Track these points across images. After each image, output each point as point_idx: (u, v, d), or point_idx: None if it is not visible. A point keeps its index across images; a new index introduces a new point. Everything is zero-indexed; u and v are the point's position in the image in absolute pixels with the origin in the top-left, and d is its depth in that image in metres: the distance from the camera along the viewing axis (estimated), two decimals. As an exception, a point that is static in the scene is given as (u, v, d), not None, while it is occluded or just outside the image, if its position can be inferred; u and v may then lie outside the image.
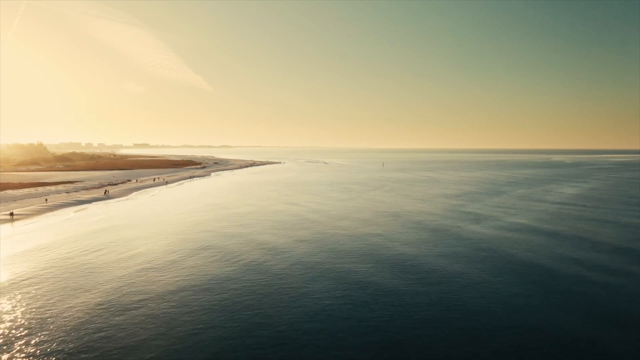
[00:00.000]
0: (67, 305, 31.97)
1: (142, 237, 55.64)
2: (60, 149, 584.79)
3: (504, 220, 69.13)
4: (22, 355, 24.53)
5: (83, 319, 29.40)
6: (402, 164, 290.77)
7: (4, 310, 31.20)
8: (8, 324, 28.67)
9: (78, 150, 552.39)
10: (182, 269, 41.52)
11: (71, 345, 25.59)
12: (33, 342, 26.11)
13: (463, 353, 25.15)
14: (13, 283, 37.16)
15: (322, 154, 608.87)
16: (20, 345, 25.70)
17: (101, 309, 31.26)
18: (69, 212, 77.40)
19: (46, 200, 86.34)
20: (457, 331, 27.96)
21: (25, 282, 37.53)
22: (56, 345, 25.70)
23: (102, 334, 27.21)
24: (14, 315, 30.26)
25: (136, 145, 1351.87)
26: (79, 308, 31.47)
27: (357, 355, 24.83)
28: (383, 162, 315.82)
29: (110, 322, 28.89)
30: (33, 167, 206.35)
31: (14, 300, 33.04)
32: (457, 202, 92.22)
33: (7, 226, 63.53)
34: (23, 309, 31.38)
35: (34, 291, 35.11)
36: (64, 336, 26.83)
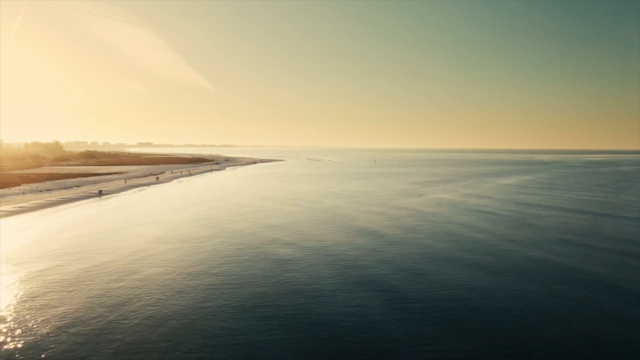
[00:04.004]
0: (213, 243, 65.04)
1: (228, 205, 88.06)
2: (67, 147, 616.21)
3: (448, 192, 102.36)
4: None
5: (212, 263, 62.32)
6: (392, 162, 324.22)
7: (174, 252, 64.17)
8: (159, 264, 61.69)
9: (91, 149, 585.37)
10: (284, 220, 74.40)
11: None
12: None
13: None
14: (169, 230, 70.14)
15: (321, 153, 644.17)
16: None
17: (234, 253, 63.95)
18: (153, 188, 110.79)
19: (125, 182, 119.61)
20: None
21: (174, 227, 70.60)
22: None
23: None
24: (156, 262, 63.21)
25: (140, 144, 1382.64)
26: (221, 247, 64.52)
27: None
28: (375, 160, 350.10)
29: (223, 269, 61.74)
30: (72, 162, 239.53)
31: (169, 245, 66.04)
32: (417, 185, 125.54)
33: (98, 199, 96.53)
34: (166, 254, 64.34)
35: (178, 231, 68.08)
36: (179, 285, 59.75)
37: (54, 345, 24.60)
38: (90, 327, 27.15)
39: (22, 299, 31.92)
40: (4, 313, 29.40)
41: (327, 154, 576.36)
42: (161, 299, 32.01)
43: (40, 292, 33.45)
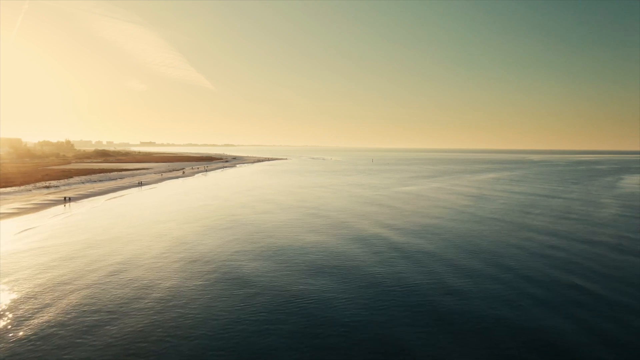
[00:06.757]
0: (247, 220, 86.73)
1: (278, 191, 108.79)
2: (75, 146, 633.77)
3: (433, 182, 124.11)
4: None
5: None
6: (391, 161, 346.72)
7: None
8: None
9: (99, 148, 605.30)
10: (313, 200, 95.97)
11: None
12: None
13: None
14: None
15: (322, 152, 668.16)
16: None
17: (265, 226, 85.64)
18: (186, 180, 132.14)
19: (161, 175, 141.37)
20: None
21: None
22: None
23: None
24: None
25: (143, 144, 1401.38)
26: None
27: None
28: (372, 159, 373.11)
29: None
30: (94, 160, 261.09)
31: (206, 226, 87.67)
32: (411, 178, 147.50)
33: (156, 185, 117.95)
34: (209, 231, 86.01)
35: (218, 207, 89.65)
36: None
37: (161, 293, 45.80)
38: (210, 268, 48.96)
39: (170, 244, 53.68)
40: (145, 256, 51.11)
41: (328, 153, 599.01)
42: (272, 239, 53.74)
43: (183, 238, 55.12)
